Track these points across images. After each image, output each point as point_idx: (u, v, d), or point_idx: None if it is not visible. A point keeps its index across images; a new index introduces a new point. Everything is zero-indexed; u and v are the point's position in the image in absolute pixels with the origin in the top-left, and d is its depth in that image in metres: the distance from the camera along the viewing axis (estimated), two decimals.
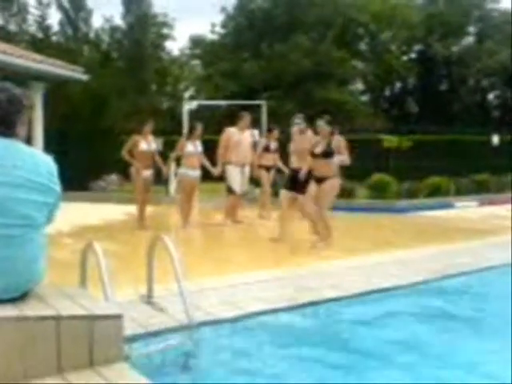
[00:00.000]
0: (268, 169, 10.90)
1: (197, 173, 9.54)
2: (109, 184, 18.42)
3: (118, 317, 2.58)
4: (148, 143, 9.21)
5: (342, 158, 7.50)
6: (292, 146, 8.66)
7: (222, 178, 10.05)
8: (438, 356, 3.79)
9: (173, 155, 9.74)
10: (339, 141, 7.62)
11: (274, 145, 11.00)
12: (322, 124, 7.79)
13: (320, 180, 7.55)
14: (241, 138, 9.86)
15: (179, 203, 9.80)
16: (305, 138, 8.36)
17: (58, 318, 2.49)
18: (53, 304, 2.64)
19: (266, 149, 10.88)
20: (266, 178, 10.90)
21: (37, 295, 2.76)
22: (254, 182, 12.51)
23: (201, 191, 14.56)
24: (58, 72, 11.79)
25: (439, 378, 3.42)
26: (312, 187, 7.68)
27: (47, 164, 2.91)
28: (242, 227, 9.80)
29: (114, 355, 2.54)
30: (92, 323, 2.51)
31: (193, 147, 9.40)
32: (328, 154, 7.51)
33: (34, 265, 2.73)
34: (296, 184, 8.04)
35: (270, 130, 11.38)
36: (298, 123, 8.66)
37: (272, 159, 10.94)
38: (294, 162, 8.42)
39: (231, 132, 9.94)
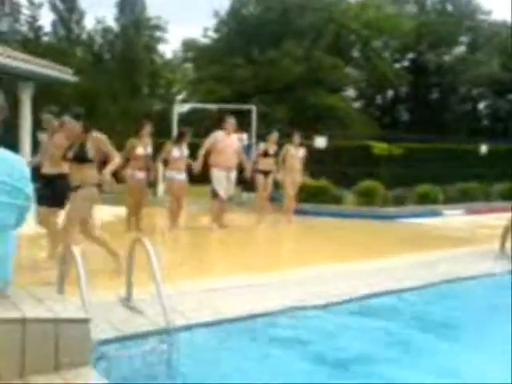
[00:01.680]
0: (266, 173, 10.88)
1: (183, 176, 9.62)
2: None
3: (86, 321, 2.55)
4: (144, 146, 9.21)
5: (110, 164, 6.01)
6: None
7: (207, 180, 10.03)
8: None
9: (160, 158, 9.76)
10: (97, 139, 6.06)
11: (273, 149, 10.97)
12: (68, 120, 6.20)
13: (74, 189, 5.99)
14: (226, 142, 9.81)
15: (168, 206, 9.81)
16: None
17: (23, 321, 2.45)
18: (20, 306, 2.60)
19: (265, 153, 10.85)
20: (262, 183, 10.90)
21: (5, 296, 2.72)
22: (248, 186, 12.50)
23: (187, 194, 14.57)
24: (47, 72, 11.73)
25: None
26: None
27: (18, 166, 2.87)
28: (227, 231, 9.77)
29: (81, 359, 2.50)
30: (58, 327, 2.47)
31: (179, 152, 9.52)
32: (79, 157, 5.97)
33: (2, 265, 2.69)
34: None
35: (262, 134, 11.40)
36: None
37: (270, 164, 10.91)
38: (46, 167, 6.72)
39: (217, 136, 9.90)
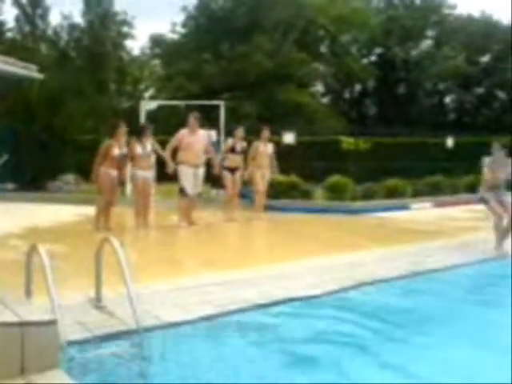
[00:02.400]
0: (232, 170, 10.83)
1: (147, 173, 9.55)
2: (65, 184, 18.10)
3: (52, 323, 2.51)
4: (120, 147, 9.14)
5: None
6: None
7: (176, 178, 9.98)
8: None
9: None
10: None
11: (240, 145, 10.89)
12: None
13: None
14: (192, 139, 9.71)
15: (134, 204, 9.75)
16: None
17: None
18: None
19: (232, 150, 10.79)
20: (230, 179, 10.84)
21: None
22: (217, 183, 12.42)
23: (156, 192, 14.49)
24: (10, 69, 11.49)
25: None
26: None
27: None
28: (196, 229, 9.73)
29: (48, 362, 2.47)
30: (23, 330, 2.43)
31: (141, 149, 9.44)
32: None
33: None
34: None
35: (231, 130, 11.36)
36: None
37: (237, 161, 10.86)
38: None
39: (182, 133, 9.81)
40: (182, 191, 9.77)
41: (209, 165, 10.26)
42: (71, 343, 3.53)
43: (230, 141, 10.97)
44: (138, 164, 9.45)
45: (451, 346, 4.08)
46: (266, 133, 11.11)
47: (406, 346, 4.08)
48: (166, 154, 9.74)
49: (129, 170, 9.93)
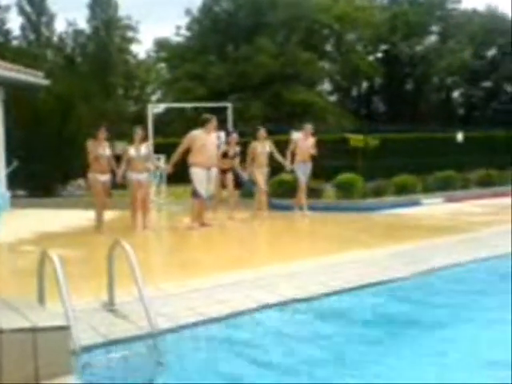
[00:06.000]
0: (225, 171, 10.91)
1: (142, 176, 9.58)
2: (76, 189, 18.17)
3: (65, 328, 2.47)
4: (103, 149, 9.27)
5: None
6: None
7: (183, 181, 9.97)
8: None
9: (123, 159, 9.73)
10: None
11: (233, 150, 10.99)
12: None
13: None
14: (206, 141, 9.70)
15: (130, 207, 9.74)
16: None
17: None
18: None
19: (224, 154, 10.88)
20: (221, 180, 10.98)
21: None
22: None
23: (169, 194, 14.44)
24: (17, 77, 11.53)
25: None
26: None
27: None
28: (209, 230, 9.67)
29: (61, 368, 2.43)
30: (36, 336, 2.39)
31: (135, 152, 9.48)
32: None
33: None
34: None
35: (228, 134, 11.41)
36: None
37: (228, 163, 10.93)
38: None
39: (195, 134, 9.74)
40: (194, 193, 9.71)
41: None
42: (84, 349, 3.49)
43: (224, 146, 11.07)
44: (131, 167, 9.50)
45: None
46: (261, 132, 11.26)
47: None
48: (177, 153, 9.70)
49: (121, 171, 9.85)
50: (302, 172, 11.68)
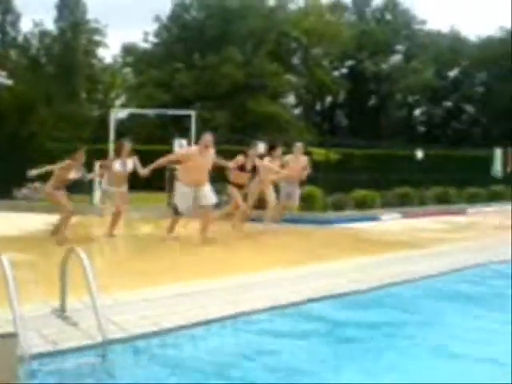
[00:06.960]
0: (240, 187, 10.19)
1: (123, 188, 9.30)
2: (33, 192, 17.79)
3: (12, 336, 2.44)
4: (78, 171, 8.85)
5: None
6: None
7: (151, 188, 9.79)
8: None
9: (99, 172, 9.48)
10: None
11: (250, 164, 10.10)
12: None
13: None
14: (200, 162, 8.88)
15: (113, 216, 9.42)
16: None
17: None
18: None
19: (241, 168, 10.01)
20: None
21: None
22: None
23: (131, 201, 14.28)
24: None
25: None
26: None
27: None
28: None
29: (7, 377, 2.39)
30: None
31: (121, 167, 9.10)
32: None
33: None
34: None
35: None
36: None
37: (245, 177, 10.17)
38: None
39: (191, 154, 9.06)
40: (175, 209, 9.18)
41: None
42: (34, 356, 3.44)
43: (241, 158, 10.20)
44: (115, 181, 9.11)
45: None
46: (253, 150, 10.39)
47: None
48: (159, 163, 9.10)
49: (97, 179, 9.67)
50: (285, 193, 11.04)
